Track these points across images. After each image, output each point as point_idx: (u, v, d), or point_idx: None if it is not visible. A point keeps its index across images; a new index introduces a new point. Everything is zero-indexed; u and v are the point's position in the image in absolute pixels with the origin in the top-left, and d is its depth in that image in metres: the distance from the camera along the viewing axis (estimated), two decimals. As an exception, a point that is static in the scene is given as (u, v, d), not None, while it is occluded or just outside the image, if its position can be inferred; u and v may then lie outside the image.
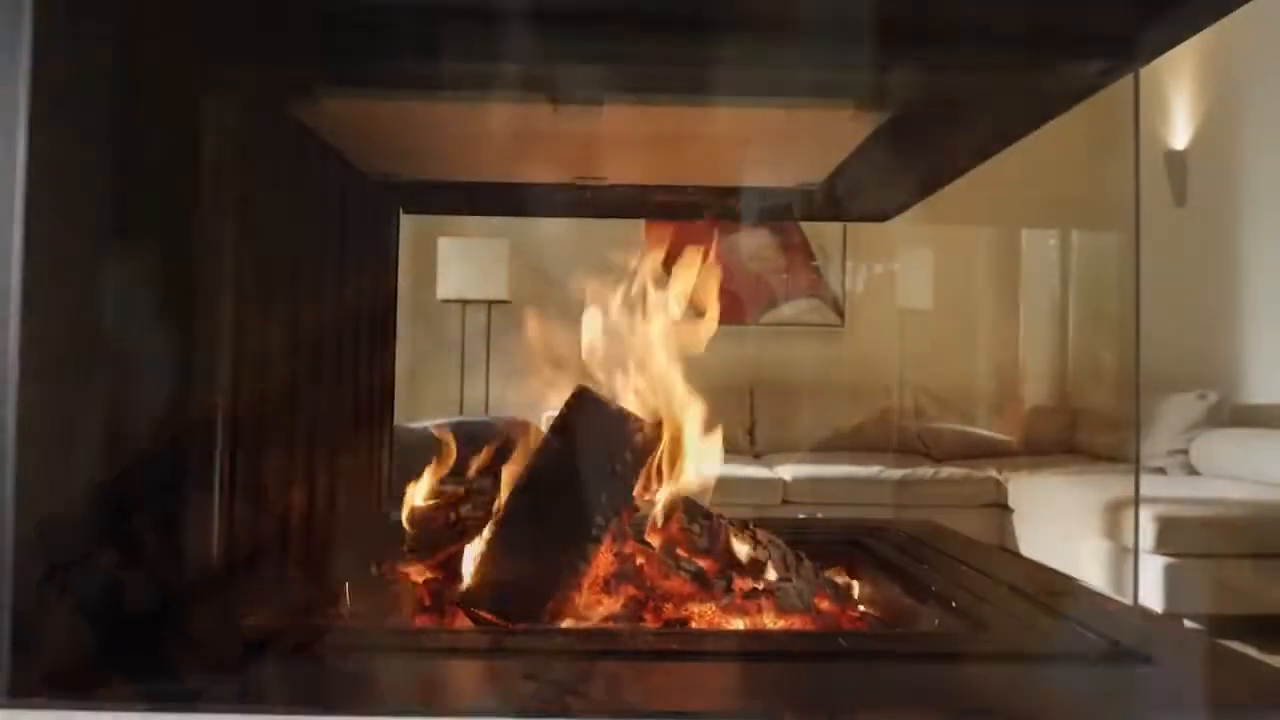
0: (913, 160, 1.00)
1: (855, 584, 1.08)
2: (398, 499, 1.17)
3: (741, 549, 1.00)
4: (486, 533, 0.96)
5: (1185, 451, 3.64)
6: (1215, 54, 4.08)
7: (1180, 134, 4.20)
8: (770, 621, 0.88)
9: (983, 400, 4.49)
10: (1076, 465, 3.91)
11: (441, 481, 1.17)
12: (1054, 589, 0.95)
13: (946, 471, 3.77)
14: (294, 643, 0.73)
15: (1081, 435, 4.29)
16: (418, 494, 1.13)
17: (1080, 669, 0.72)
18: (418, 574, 1.02)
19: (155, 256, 0.73)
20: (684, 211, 1.29)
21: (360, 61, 0.83)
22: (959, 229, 4.80)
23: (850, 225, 4.41)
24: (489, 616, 0.88)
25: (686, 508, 1.01)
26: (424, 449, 1.70)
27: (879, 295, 4.49)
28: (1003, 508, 3.73)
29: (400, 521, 1.13)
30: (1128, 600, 2.21)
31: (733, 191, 1.25)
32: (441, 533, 1.07)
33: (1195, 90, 4.17)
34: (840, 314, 4.52)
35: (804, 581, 0.96)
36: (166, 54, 0.74)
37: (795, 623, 0.89)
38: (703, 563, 0.98)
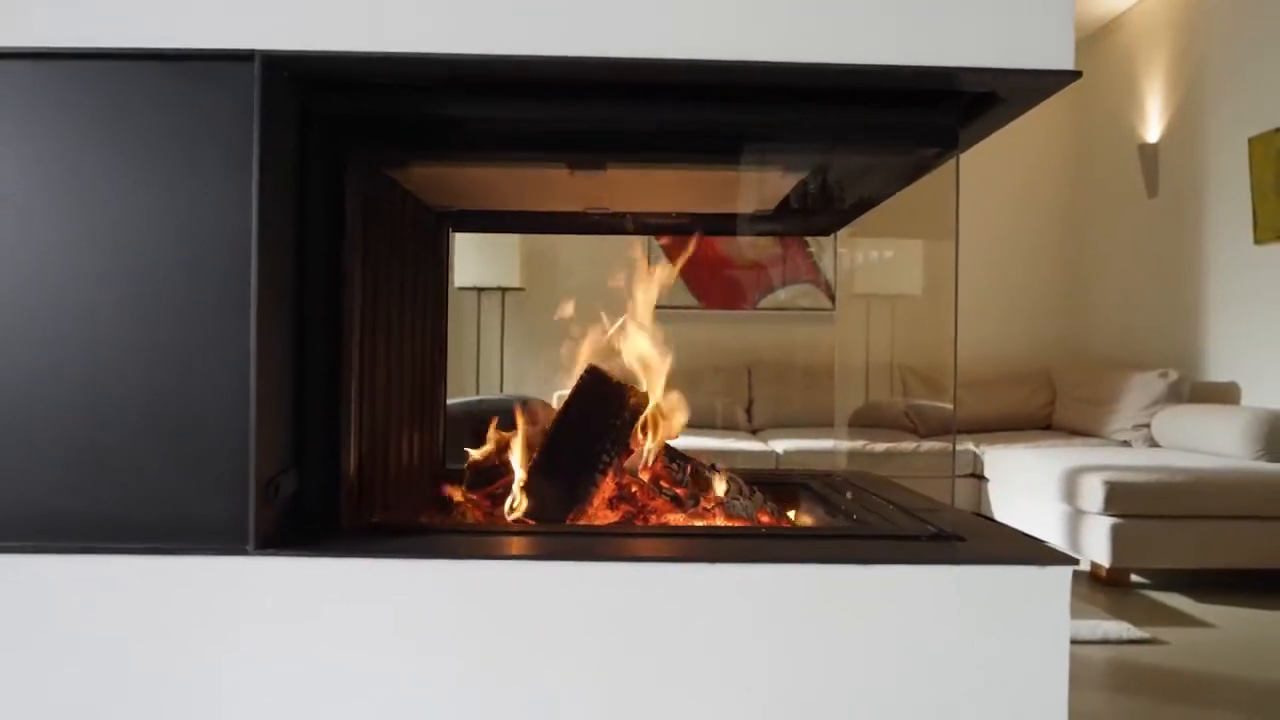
0: (826, 200, 1.42)
1: (794, 509, 1.51)
2: (453, 452, 1.62)
3: (707, 481, 1.43)
4: (527, 468, 1.40)
5: (1148, 426, 4.05)
6: (1186, 53, 4.44)
7: (1153, 128, 4.57)
8: (721, 523, 1.32)
9: (966, 380, 4.90)
10: (1050, 441, 4.33)
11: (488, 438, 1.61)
12: (928, 507, 1.38)
13: (927, 445, 4.20)
14: (406, 529, 1.17)
15: (1059, 413, 4.72)
16: (474, 447, 1.57)
17: (914, 543, 1.16)
18: (477, 499, 1.46)
19: (321, 268, 1.17)
20: (672, 230, 1.72)
21: (435, 144, 1.26)
22: (948, 217, 5.20)
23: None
24: (530, 522, 1.32)
25: (667, 452, 1.44)
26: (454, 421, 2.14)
27: (870, 281, 4.88)
28: (979, 477, 4.17)
29: (454, 468, 1.58)
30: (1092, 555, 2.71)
31: (710, 216, 1.69)
32: (492, 472, 1.51)
33: (1168, 87, 4.54)
34: (833, 299, 4.92)
35: (750, 501, 1.40)
36: (322, 146, 1.17)
37: (740, 524, 1.33)
38: (679, 490, 1.41)
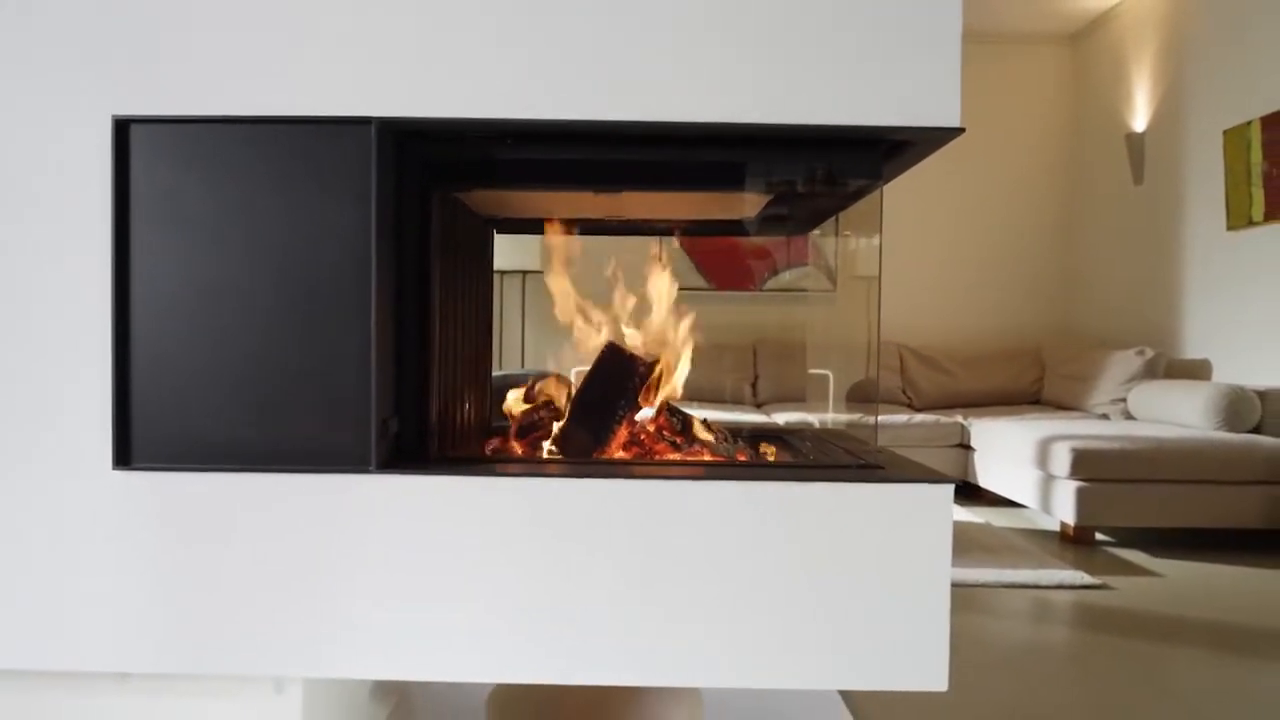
0: (790, 213, 1.90)
1: (767, 451, 2.00)
2: (498, 413, 2.12)
3: (698, 430, 1.93)
4: (561, 419, 1.89)
5: (1124, 400, 4.51)
6: (1170, 47, 4.84)
7: (1140, 118, 4.98)
8: (707, 459, 1.82)
9: (961, 358, 5.36)
10: (1036, 414, 4.79)
11: (526, 400, 2.10)
12: (866, 449, 1.87)
13: (919, 417, 4.68)
14: (477, 459, 1.67)
15: (1048, 389, 5.17)
16: (515, 406, 2.07)
17: (845, 469, 1.64)
18: (519, 446, 1.96)
19: (411, 271, 1.66)
20: (677, 232, 2.21)
21: (495, 176, 1.75)
22: (954, 203, 5.62)
23: (846, 201, 5.33)
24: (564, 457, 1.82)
25: (668, 408, 1.93)
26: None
27: (869, 264, 5.33)
28: (966, 447, 4.64)
29: (499, 424, 2.08)
30: (1062, 517, 3.23)
31: (704, 221, 2.17)
32: (531, 425, 2.01)
33: (1153, 78, 4.94)
34: (833, 281, 5.37)
35: (731, 445, 1.89)
36: (412, 180, 1.66)
37: (721, 460, 1.82)
38: (677, 437, 1.91)
